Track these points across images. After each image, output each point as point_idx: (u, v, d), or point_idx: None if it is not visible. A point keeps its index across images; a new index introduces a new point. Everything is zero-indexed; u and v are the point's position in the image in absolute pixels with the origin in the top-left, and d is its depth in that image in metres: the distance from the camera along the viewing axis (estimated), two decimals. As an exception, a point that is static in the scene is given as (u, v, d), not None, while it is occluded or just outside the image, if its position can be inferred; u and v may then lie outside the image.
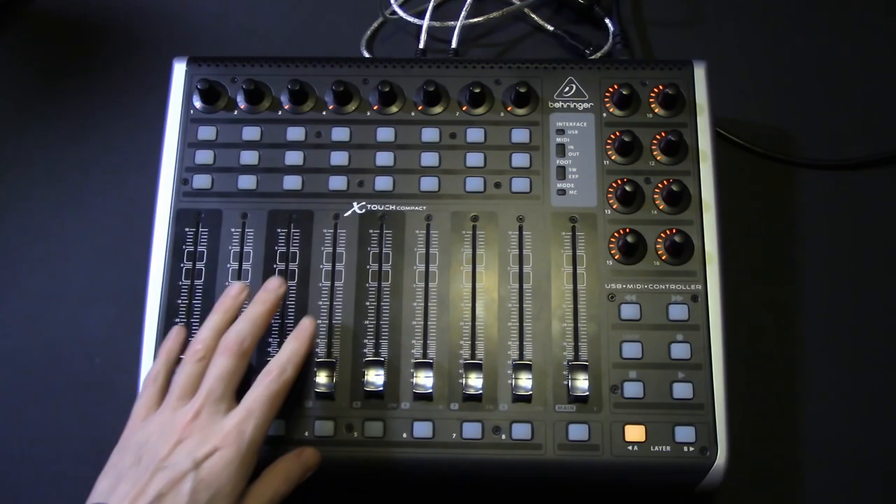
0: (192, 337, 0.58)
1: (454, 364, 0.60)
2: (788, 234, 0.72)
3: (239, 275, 0.62)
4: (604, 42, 0.78)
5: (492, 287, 0.62)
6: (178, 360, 0.58)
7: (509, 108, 0.66)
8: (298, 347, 0.57)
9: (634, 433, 0.59)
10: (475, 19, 0.77)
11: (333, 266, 0.63)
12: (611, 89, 0.66)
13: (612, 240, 0.63)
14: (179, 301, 0.62)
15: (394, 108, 0.66)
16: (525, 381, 0.59)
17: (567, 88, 0.67)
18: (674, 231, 0.62)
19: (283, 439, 0.59)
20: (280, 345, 0.59)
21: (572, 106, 0.66)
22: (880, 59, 0.78)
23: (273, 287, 0.59)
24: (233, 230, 0.64)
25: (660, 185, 0.64)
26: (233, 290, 0.59)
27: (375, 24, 0.80)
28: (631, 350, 0.60)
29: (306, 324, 0.59)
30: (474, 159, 0.65)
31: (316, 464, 0.57)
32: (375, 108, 0.66)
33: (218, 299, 0.59)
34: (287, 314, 0.61)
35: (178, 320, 0.61)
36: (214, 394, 0.54)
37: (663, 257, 0.62)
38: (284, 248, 0.63)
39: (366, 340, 0.61)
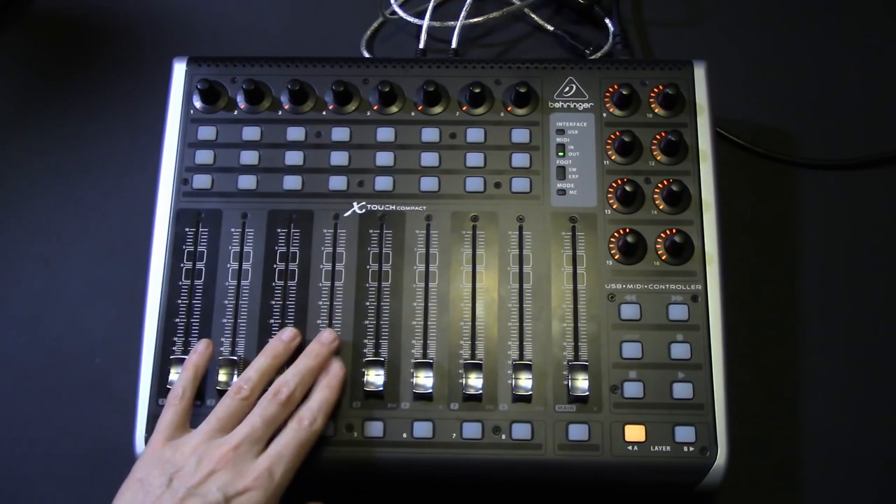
0: (213, 347, 0.60)
1: (454, 364, 0.60)
2: (788, 234, 0.72)
3: (239, 275, 0.62)
4: (604, 42, 0.78)
5: (492, 287, 0.62)
6: (203, 376, 0.59)
7: (509, 108, 0.66)
8: (329, 395, 0.58)
9: (634, 433, 0.59)
10: (475, 19, 0.77)
11: (333, 266, 0.63)
12: (611, 89, 0.66)
13: (612, 240, 0.63)
14: (179, 301, 0.62)
15: (394, 108, 0.66)
16: (525, 381, 0.59)
17: (567, 88, 0.67)
18: (674, 231, 0.62)
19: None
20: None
21: (572, 106, 0.66)
22: (880, 59, 0.78)
23: (326, 341, 0.60)
24: (233, 230, 0.64)
25: (660, 185, 0.64)
26: (285, 335, 0.60)
27: (375, 24, 0.80)
28: (631, 350, 0.60)
29: (336, 369, 0.59)
30: (474, 159, 0.65)
31: None
32: (375, 108, 0.66)
33: (270, 341, 0.60)
34: (287, 314, 0.61)
35: (178, 320, 0.61)
36: (256, 434, 0.55)
37: (663, 257, 0.62)
38: (284, 248, 0.63)
39: (366, 340, 0.61)
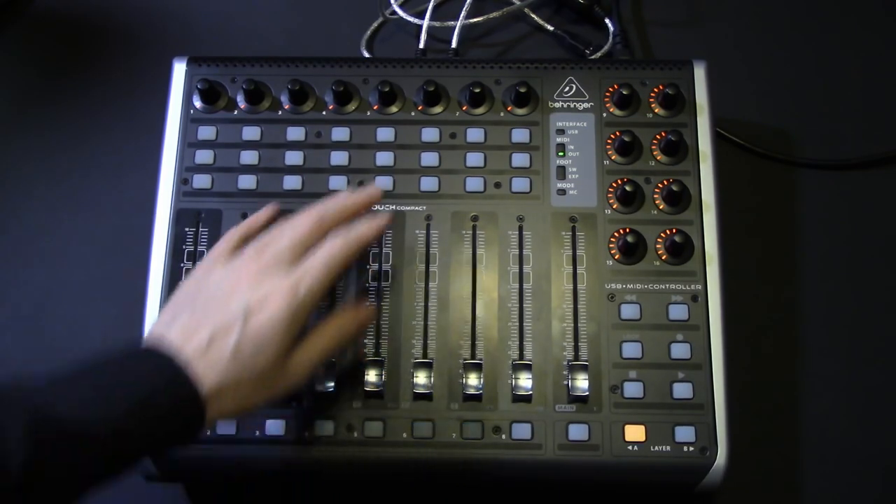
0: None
1: (454, 364, 0.60)
2: (788, 234, 0.72)
3: (239, 275, 0.62)
4: (604, 42, 0.78)
5: (492, 287, 0.62)
6: (258, 233, 0.58)
7: (509, 108, 0.66)
8: (368, 230, 0.56)
9: (634, 433, 0.59)
10: (475, 19, 0.77)
11: (333, 266, 0.63)
12: (611, 89, 0.66)
13: (612, 240, 0.63)
14: (179, 301, 0.62)
15: (394, 108, 0.66)
16: (525, 381, 0.59)
17: (567, 88, 0.67)
18: (674, 231, 0.62)
19: (281, 439, 0.59)
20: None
21: (572, 106, 0.66)
22: (880, 59, 0.78)
23: (373, 192, 0.59)
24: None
25: (660, 185, 0.64)
26: (344, 201, 0.57)
27: (375, 24, 0.80)
28: (631, 350, 0.60)
29: (374, 192, 0.58)
30: (474, 159, 0.65)
31: (371, 319, 0.56)
32: (375, 108, 0.66)
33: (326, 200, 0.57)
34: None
35: (178, 320, 0.61)
36: (284, 255, 0.53)
37: (663, 257, 0.62)
38: (284, 248, 0.63)
39: (366, 340, 0.61)
